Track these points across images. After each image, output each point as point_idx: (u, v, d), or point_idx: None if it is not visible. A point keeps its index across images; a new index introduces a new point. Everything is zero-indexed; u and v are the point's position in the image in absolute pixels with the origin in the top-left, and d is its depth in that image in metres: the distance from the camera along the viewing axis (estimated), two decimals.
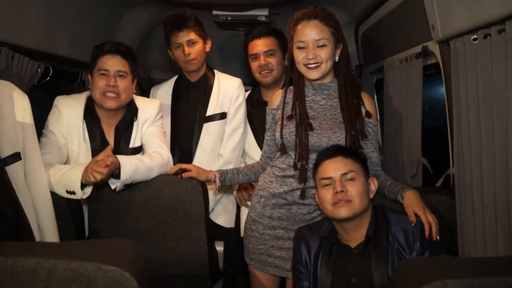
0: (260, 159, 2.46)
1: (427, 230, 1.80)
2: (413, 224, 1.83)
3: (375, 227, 1.87)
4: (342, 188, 1.84)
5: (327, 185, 1.90)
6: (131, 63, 2.41)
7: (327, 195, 1.89)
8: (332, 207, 1.86)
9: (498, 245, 1.73)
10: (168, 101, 2.87)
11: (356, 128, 2.14)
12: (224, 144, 2.82)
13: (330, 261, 1.91)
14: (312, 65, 2.13)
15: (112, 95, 2.33)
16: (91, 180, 2.06)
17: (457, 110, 1.96)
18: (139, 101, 2.51)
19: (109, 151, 2.11)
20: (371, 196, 1.93)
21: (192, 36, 2.71)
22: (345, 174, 1.88)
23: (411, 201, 1.90)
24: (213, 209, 2.79)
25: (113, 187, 2.18)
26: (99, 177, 2.04)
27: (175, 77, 2.95)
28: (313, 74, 2.15)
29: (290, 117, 2.21)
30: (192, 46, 2.72)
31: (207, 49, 2.82)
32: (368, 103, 2.22)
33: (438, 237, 1.81)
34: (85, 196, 2.12)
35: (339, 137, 2.12)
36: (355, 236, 1.89)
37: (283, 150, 2.21)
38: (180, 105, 2.86)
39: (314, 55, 2.11)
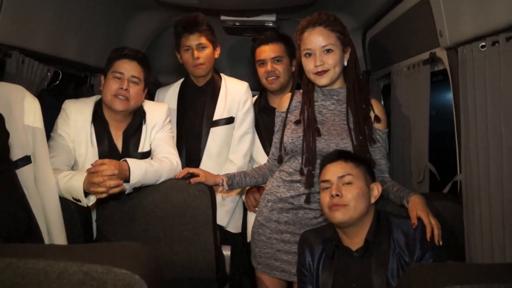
0: (268, 161, 2.47)
1: (429, 233, 1.78)
2: (414, 227, 1.82)
3: (376, 231, 1.87)
4: (337, 192, 1.85)
5: (326, 188, 1.92)
6: (146, 71, 2.43)
7: (325, 198, 1.90)
8: (329, 211, 1.88)
9: (505, 252, 1.72)
10: (173, 104, 2.86)
11: (364, 133, 2.14)
12: (234, 149, 2.81)
13: (332, 264, 1.91)
14: (321, 72, 2.13)
15: (122, 98, 2.34)
16: (96, 194, 2.08)
17: (464, 117, 1.96)
18: (147, 105, 2.52)
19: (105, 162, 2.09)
20: (373, 201, 1.92)
21: (203, 40, 2.70)
22: (342, 177, 1.89)
23: (416, 205, 1.90)
24: (220, 214, 2.78)
25: None
26: (103, 194, 2.07)
27: (181, 80, 2.94)
28: (322, 81, 2.15)
29: (298, 122, 2.22)
30: (201, 50, 2.71)
31: (216, 56, 2.81)
32: (378, 109, 2.21)
33: (440, 242, 1.79)
34: (90, 203, 2.13)
35: (347, 144, 2.12)
36: (357, 240, 1.89)
37: (285, 154, 2.25)
38: (187, 110, 2.85)
39: (322, 62, 2.11)
